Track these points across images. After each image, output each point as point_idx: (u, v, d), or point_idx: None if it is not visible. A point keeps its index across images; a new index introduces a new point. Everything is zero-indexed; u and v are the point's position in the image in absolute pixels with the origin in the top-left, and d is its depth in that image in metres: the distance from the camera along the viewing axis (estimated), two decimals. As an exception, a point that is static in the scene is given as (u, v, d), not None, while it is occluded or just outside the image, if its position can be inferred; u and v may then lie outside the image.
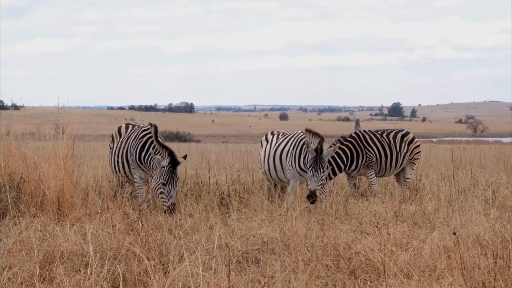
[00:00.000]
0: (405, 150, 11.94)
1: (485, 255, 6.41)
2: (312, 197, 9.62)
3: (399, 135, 12.03)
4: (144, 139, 9.98)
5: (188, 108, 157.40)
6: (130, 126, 10.58)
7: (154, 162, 9.62)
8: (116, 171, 10.37)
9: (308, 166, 9.77)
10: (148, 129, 10.07)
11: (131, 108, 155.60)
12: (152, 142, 9.84)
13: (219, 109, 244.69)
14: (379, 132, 12.03)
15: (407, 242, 7.42)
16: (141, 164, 9.95)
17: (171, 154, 9.52)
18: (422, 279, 6.04)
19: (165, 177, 9.39)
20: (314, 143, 9.80)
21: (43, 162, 9.26)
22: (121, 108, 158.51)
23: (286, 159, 10.34)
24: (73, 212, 8.66)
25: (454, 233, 6.63)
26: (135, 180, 10.07)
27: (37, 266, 6.12)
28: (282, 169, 10.46)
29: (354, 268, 6.25)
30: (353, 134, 11.84)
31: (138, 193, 10.00)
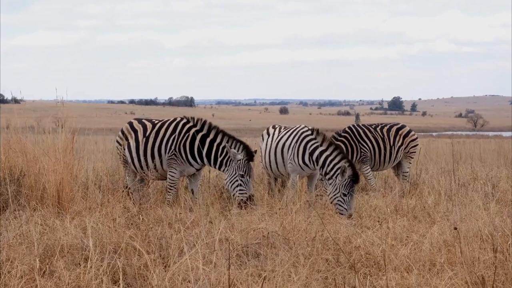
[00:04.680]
0: (399, 144, 11.86)
1: (485, 249, 6.41)
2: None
3: (394, 128, 11.95)
4: (190, 133, 9.88)
5: (188, 102, 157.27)
6: (147, 122, 10.35)
7: (224, 160, 9.71)
8: (136, 167, 10.14)
9: (345, 191, 9.24)
10: (188, 122, 9.99)
11: (131, 102, 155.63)
12: (203, 137, 9.82)
13: (219, 103, 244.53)
14: (373, 126, 11.96)
15: (407, 236, 7.42)
16: (196, 160, 9.85)
17: (246, 147, 9.72)
18: (422, 273, 6.04)
19: (243, 169, 9.58)
20: (348, 169, 9.32)
21: (43, 156, 9.25)
22: (121, 102, 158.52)
23: (288, 152, 10.27)
24: (73, 206, 8.65)
25: (455, 228, 6.62)
26: (172, 175, 9.90)
27: (37, 260, 6.12)
28: (283, 162, 10.40)
29: (354, 262, 6.25)
30: (347, 129, 11.79)
31: (169, 188, 9.90)
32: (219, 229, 7.09)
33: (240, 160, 9.60)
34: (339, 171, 9.37)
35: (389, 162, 11.82)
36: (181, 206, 9.23)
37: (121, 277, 5.83)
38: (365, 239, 7.00)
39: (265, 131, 11.06)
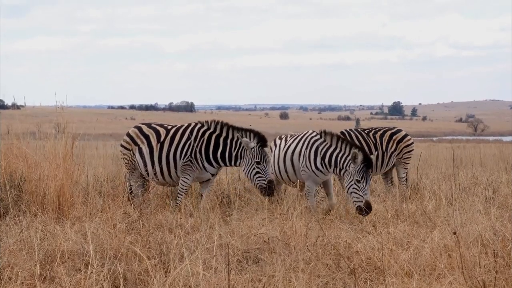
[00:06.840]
0: (392, 149, 11.72)
1: (485, 254, 6.41)
2: (369, 209, 9.05)
3: (388, 133, 11.83)
4: (206, 136, 9.89)
5: (189, 107, 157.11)
6: (159, 127, 10.26)
7: (239, 152, 9.74)
8: (149, 173, 10.03)
9: (359, 178, 9.18)
10: (202, 126, 9.98)
11: (132, 107, 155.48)
12: (218, 137, 9.85)
13: (219, 108, 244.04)
14: (366, 131, 11.86)
15: (407, 241, 7.42)
16: (211, 163, 9.84)
17: (257, 134, 9.74)
18: (422, 278, 6.04)
19: (257, 156, 9.59)
20: (359, 155, 9.24)
21: (44, 161, 9.26)
22: (122, 108, 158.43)
23: (299, 160, 10.11)
24: (73, 211, 8.66)
25: (454, 233, 6.63)
26: (185, 182, 9.87)
27: (38, 266, 6.12)
28: (294, 170, 10.23)
29: (355, 267, 6.25)
30: (339, 134, 11.74)
31: (179, 194, 9.87)
32: (219, 234, 7.09)
33: (253, 147, 9.63)
34: (350, 159, 9.34)
35: (381, 168, 11.71)
36: (182, 211, 9.24)
37: (121, 283, 5.84)
38: (365, 244, 7.00)
39: (272, 142, 10.89)
